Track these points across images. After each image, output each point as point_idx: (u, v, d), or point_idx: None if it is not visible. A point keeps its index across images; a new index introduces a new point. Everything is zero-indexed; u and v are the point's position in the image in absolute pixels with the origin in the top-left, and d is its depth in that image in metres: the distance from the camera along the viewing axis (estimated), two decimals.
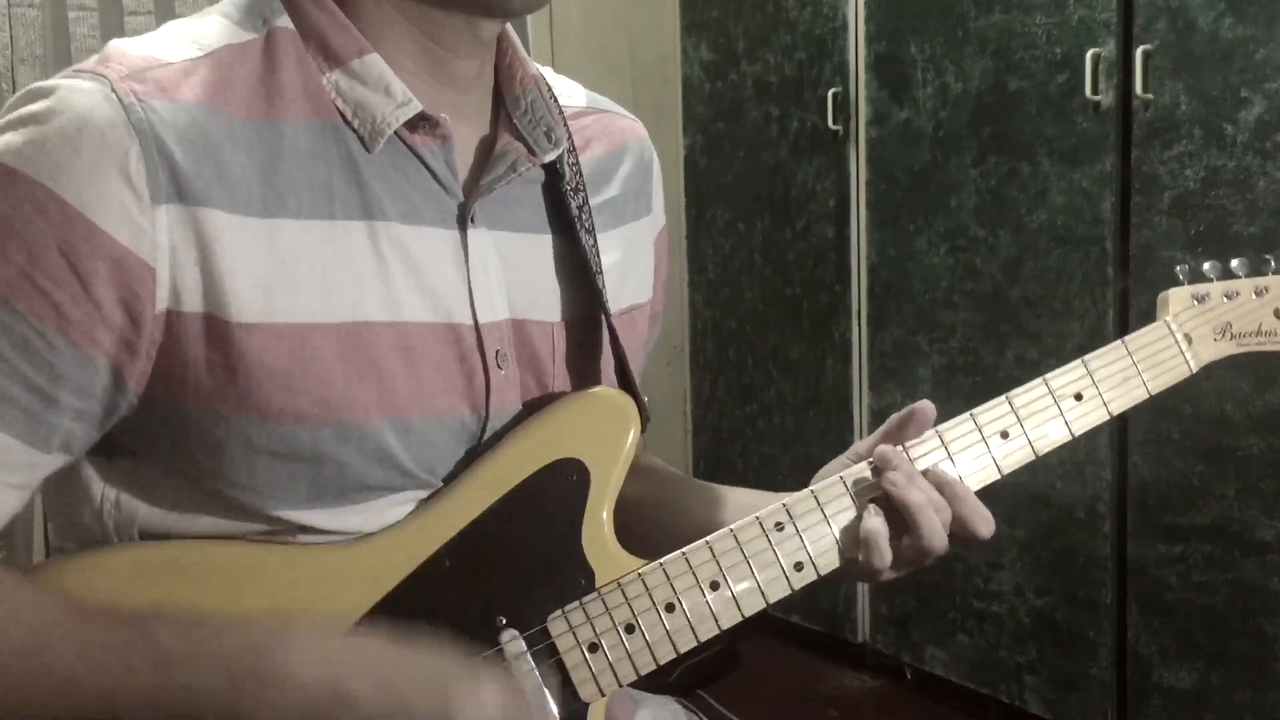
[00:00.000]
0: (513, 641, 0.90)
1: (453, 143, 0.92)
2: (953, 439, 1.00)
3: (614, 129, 1.08)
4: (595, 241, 1.01)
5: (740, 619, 0.95)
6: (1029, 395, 1.02)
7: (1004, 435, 1.01)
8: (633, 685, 0.94)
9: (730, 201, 3.02)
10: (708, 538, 0.95)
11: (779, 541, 0.95)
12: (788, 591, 0.96)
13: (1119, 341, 1.05)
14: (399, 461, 0.88)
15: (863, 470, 0.98)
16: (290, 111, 0.86)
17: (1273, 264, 1.09)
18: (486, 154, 0.95)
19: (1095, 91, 2.20)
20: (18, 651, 0.80)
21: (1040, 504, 2.37)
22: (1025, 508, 2.40)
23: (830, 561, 0.97)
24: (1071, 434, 1.02)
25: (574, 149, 1.02)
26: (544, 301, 0.97)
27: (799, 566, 0.96)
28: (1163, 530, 2.23)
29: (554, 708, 0.90)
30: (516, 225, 0.96)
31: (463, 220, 0.92)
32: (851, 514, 0.97)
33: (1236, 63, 2.02)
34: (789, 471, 2.92)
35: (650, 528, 1.04)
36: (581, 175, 1.02)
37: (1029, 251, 2.36)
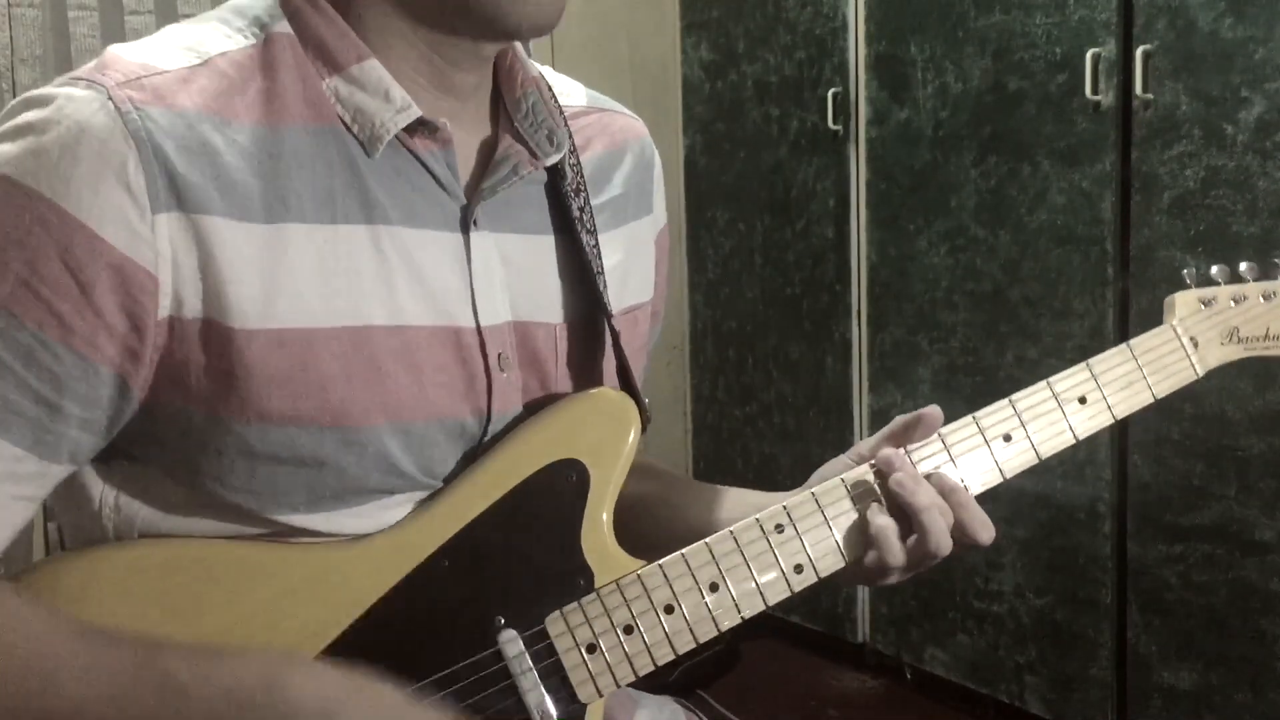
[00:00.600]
0: (511, 642, 0.90)
1: (454, 146, 0.92)
2: (955, 441, 0.99)
3: (615, 128, 1.08)
4: (597, 242, 1.01)
5: (739, 621, 0.95)
6: (1032, 398, 1.01)
7: (1007, 438, 1.00)
8: (632, 685, 0.94)
9: (730, 201, 3.02)
10: (707, 539, 0.94)
11: (779, 543, 0.95)
12: (787, 594, 0.95)
13: (1124, 345, 1.04)
14: (399, 465, 0.88)
15: (864, 472, 0.98)
16: (290, 117, 0.86)
17: None
18: (488, 157, 0.95)
19: (1095, 91, 2.20)
20: (26, 673, 0.79)
21: (1040, 504, 2.37)
22: (1025, 508, 2.40)
23: (831, 564, 0.96)
24: (1075, 438, 1.01)
25: (575, 149, 1.02)
26: (546, 303, 0.97)
27: (799, 568, 0.95)
28: (1163, 530, 2.23)
29: (552, 709, 0.90)
30: (519, 227, 0.96)
31: (465, 223, 0.92)
32: (852, 516, 0.97)
33: (1236, 63, 2.02)
34: (789, 471, 2.92)
35: (650, 528, 1.04)
36: (583, 175, 1.02)
37: (1029, 251, 2.36)
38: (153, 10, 2.53)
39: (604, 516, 0.93)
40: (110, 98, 0.80)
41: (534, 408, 0.96)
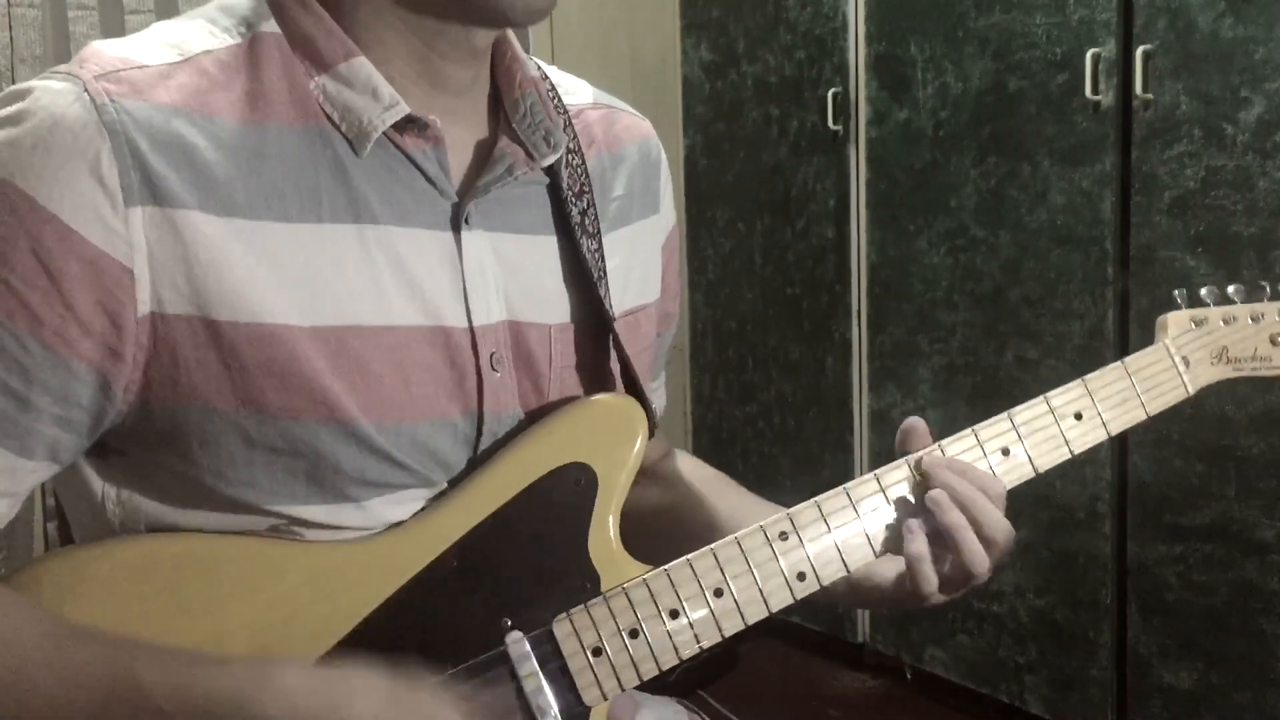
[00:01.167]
0: (517, 644, 0.90)
1: (445, 144, 0.91)
2: (954, 454, 1.00)
3: (620, 126, 1.08)
4: (600, 245, 1.01)
5: (743, 626, 0.95)
6: (1030, 413, 1.03)
7: (1005, 452, 1.01)
8: (634, 687, 0.94)
9: (730, 201, 3.02)
10: (712, 545, 0.95)
11: (783, 551, 0.96)
12: (790, 601, 0.96)
13: (1119, 363, 1.06)
14: (395, 458, 0.88)
15: (867, 481, 0.99)
16: (275, 116, 0.86)
17: (1268, 290, 1.11)
18: (484, 157, 0.95)
19: (1095, 91, 2.20)
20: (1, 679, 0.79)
21: (1040, 504, 2.37)
22: (1025, 508, 2.40)
23: (834, 571, 0.97)
24: (1071, 453, 1.03)
25: (578, 149, 1.02)
26: (544, 304, 0.97)
27: (801, 576, 0.96)
28: (1163, 530, 2.23)
29: (557, 711, 0.90)
30: (516, 227, 0.96)
31: (456, 222, 0.92)
32: (856, 525, 0.98)
33: (1236, 63, 2.02)
34: (789, 471, 2.93)
35: (662, 538, 1.04)
36: (587, 176, 1.02)
37: (1029, 251, 2.36)
38: (153, 10, 2.53)
39: (611, 520, 0.94)
40: (86, 90, 0.80)
41: (530, 409, 0.96)
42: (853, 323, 2.75)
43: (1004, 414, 1.02)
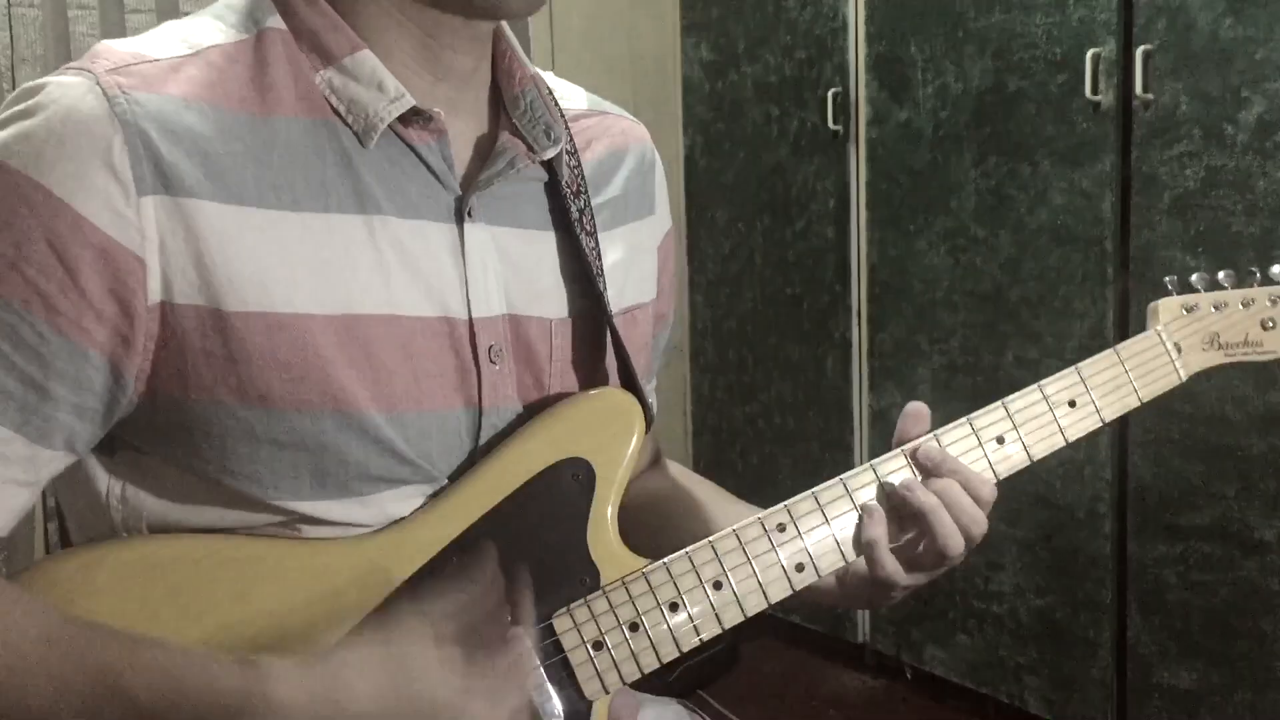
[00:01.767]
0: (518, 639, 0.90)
1: (448, 137, 0.92)
2: (949, 443, 1.01)
3: (615, 131, 1.09)
4: (597, 243, 1.01)
5: (742, 618, 0.95)
6: (1024, 401, 1.03)
7: (1000, 441, 1.02)
8: (634, 686, 0.94)
9: (730, 201, 3.02)
10: (710, 538, 0.95)
11: (780, 542, 0.96)
12: (789, 592, 0.96)
13: (1111, 350, 1.07)
14: (399, 451, 0.89)
15: (864, 471, 0.99)
16: (282, 109, 0.87)
17: (1258, 276, 1.11)
18: (486, 151, 0.96)
19: (1095, 91, 2.20)
20: None
21: (1040, 504, 2.37)
22: (1025, 508, 2.40)
23: (831, 562, 0.97)
24: (1065, 440, 1.04)
25: (575, 151, 1.03)
26: (543, 298, 0.98)
27: (800, 567, 0.96)
28: (1163, 530, 2.23)
29: (558, 705, 0.90)
30: (517, 222, 0.96)
31: (459, 214, 0.92)
32: (853, 516, 0.98)
33: (1236, 63, 2.02)
34: (789, 471, 2.93)
35: (657, 530, 1.04)
36: (583, 177, 1.02)
37: (1029, 251, 2.36)
38: (153, 9, 2.53)
39: (609, 514, 0.94)
40: (98, 83, 0.81)
41: (529, 402, 0.96)
42: (853, 323, 2.75)
43: (998, 403, 1.03)
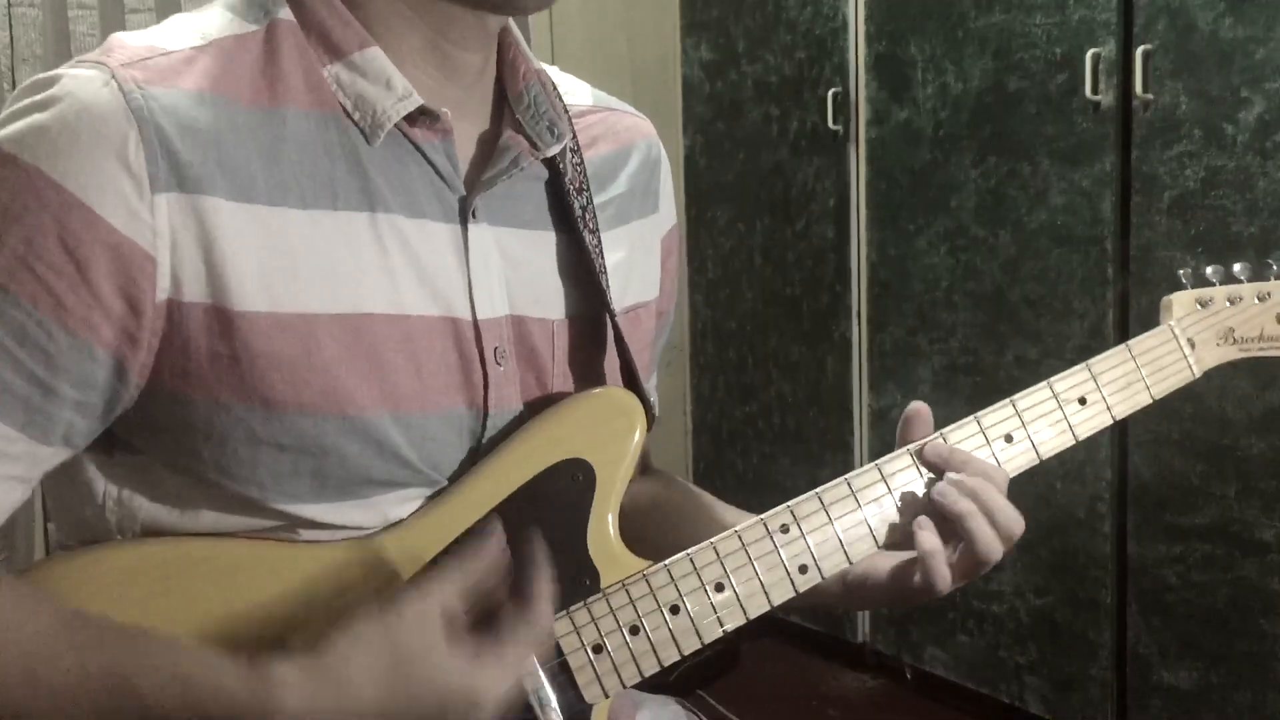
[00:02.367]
0: None
1: (454, 137, 0.91)
2: (957, 441, 1.00)
3: (620, 127, 1.08)
4: (599, 241, 1.00)
5: (744, 621, 0.95)
6: (1033, 398, 1.01)
7: (1008, 439, 1.01)
8: (634, 685, 0.94)
9: (730, 201, 3.02)
10: (712, 539, 0.94)
11: (783, 543, 0.95)
12: (792, 594, 0.95)
13: (1123, 345, 1.04)
14: (401, 454, 0.88)
15: (868, 471, 0.98)
16: (292, 101, 0.86)
17: (1275, 268, 1.09)
18: (489, 149, 0.95)
19: (1095, 91, 2.20)
20: (9, 674, 0.79)
21: (1040, 504, 2.37)
22: (1025, 508, 2.39)
23: (835, 563, 0.96)
24: (1076, 438, 1.02)
25: (579, 147, 1.02)
26: (546, 298, 0.97)
27: (803, 569, 0.95)
28: (1163, 530, 2.23)
29: (558, 708, 0.89)
30: (519, 221, 0.96)
31: (464, 215, 0.92)
32: (857, 515, 0.97)
33: (1236, 63, 2.02)
34: (789, 471, 2.93)
35: (657, 532, 1.04)
36: (586, 174, 1.02)
37: (1029, 251, 2.36)
38: (153, 9, 2.53)
39: (610, 516, 0.93)
40: (114, 77, 0.80)
41: (533, 403, 0.95)
42: (853, 323, 2.75)
43: (1007, 400, 1.01)
